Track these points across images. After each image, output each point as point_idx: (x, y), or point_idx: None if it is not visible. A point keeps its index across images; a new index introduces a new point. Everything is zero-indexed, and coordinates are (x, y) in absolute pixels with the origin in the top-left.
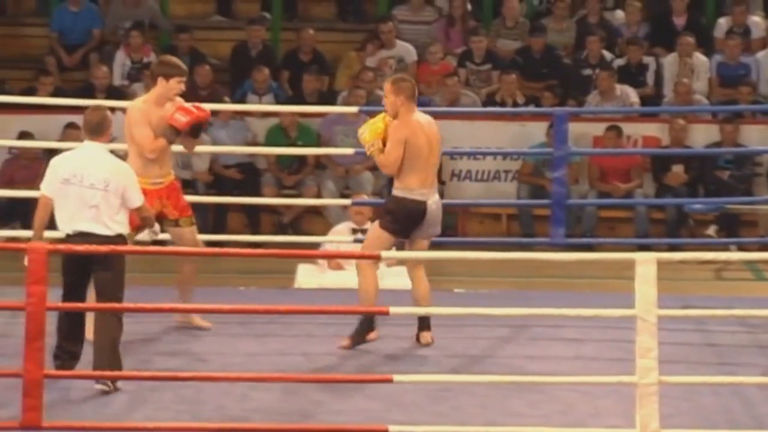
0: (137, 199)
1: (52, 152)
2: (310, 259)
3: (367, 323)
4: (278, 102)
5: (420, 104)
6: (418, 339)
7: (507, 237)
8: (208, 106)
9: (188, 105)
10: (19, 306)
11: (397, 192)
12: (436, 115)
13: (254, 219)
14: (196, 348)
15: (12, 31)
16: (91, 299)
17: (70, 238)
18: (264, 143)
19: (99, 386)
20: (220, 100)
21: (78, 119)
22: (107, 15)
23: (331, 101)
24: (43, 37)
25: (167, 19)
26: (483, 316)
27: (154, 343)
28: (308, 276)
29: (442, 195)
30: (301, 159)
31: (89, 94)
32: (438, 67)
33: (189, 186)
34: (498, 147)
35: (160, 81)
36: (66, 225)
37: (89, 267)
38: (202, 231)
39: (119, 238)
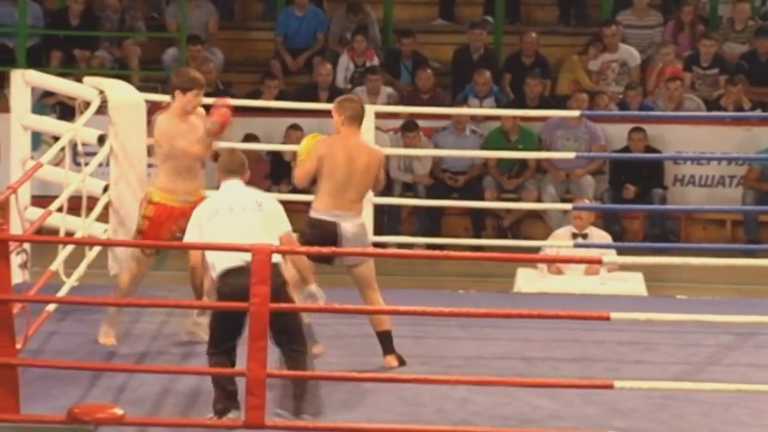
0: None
1: (276, 154)
2: (531, 263)
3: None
4: (499, 105)
5: (643, 108)
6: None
7: (731, 243)
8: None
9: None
10: (243, 306)
11: (310, 212)
12: (658, 120)
13: (477, 222)
14: (416, 350)
15: (239, 36)
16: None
17: None
18: (484, 146)
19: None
20: (442, 104)
21: (301, 121)
22: (332, 19)
23: (553, 105)
24: (268, 41)
25: (390, 23)
26: (706, 323)
27: (373, 344)
28: (528, 280)
29: (664, 200)
30: (522, 163)
31: (313, 93)
32: (669, 69)
33: (409, 189)
34: (723, 152)
35: (178, 94)
36: None
37: None
38: (420, 234)
39: None
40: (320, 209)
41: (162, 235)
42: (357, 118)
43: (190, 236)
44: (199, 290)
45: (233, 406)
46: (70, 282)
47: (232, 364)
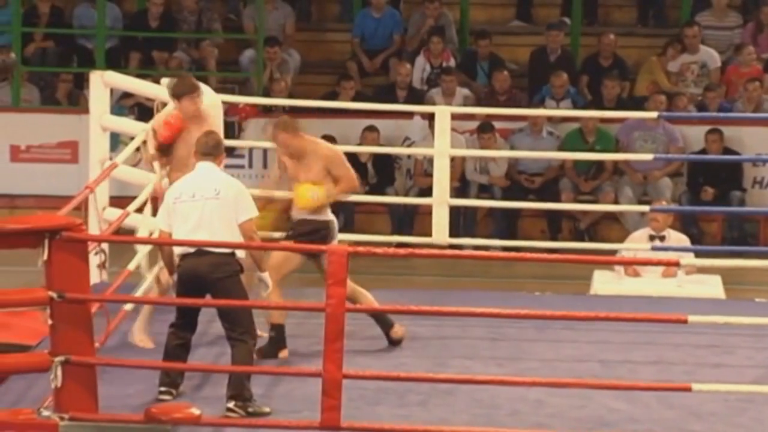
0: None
1: (352, 155)
2: (608, 265)
3: (281, 340)
4: (576, 107)
5: (721, 110)
6: (389, 339)
7: None
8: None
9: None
10: (319, 307)
11: (314, 215)
12: (737, 122)
13: (553, 225)
14: (492, 352)
15: (316, 37)
16: None
17: None
18: (562, 147)
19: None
20: (518, 105)
21: (377, 122)
22: (409, 21)
23: (631, 106)
24: (345, 42)
25: (467, 24)
26: None
27: (450, 346)
28: (605, 282)
29: (743, 202)
30: (599, 164)
31: (390, 93)
32: (749, 70)
33: (485, 191)
34: None
35: (174, 101)
36: None
37: None
38: (496, 236)
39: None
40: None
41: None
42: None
43: (159, 218)
44: (169, 265)
45: (170, 391)
46: (148, 282)
47: (183, 341)
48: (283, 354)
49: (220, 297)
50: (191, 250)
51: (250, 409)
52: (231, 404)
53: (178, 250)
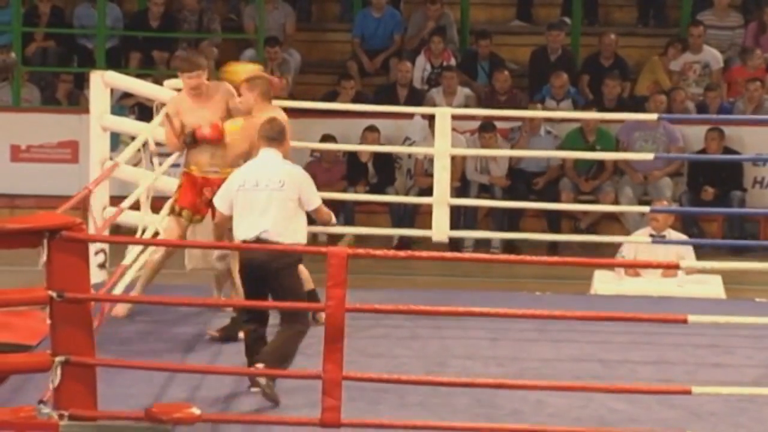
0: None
1: (353, 155)
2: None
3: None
4: (576, 108)
5: (722, 109)
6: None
7: None
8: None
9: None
10: (319, 308)
11: None
12: (738, 122)
13: (553, 225)
14: (492, 352)
15: (316, 37)
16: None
17: None
18: (562, 147)
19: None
20: (519, 105)
21: (378, 122)
22: (410, 21)
23: (632, 106)
24: (345, 42)
25: (467, 24)
26: None
27: (450, 346)
28: (605, 282)
29: (743, 202)
30: (599, 164)
31: (391, 92)
32: (754, 71)
33: (486, 191)
34: None
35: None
36: None
37: None
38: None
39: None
40: None
41: (193, 200)
42: (268, 94)
43: (218, 201)
44: (219, 238)
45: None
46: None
47: (257, 335)
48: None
49: (278, 287)
50: (251, 237)
51: (268, 390)
52: (263, 380)
53: (240, 237)
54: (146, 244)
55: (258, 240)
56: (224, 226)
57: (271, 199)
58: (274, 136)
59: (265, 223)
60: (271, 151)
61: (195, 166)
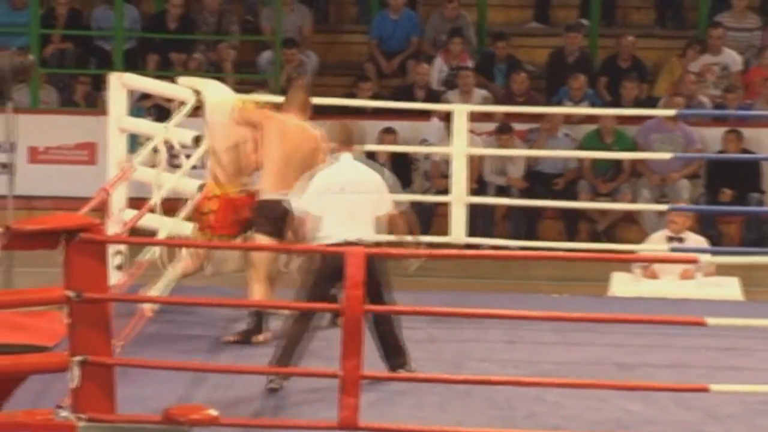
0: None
1: (370, 155)
2: (626, 267)
3: (258, 325)
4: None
5: (742, 110)
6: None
7: None
8: (525, 110)
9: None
10: (337, 308)
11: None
12: (756, 124)
13: (571, 227)
14: (508, 354)
15: (334, 38)
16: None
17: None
18: (580, 149)
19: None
20: (536, 106)
21: (395, 124)
22: (427, 23)
23: (650, 108)
24: (363, 44)
25: (485, 26)
26: None
27: (467, 348)
28: (623, 284)
29: (761, 204)
30: (617, 166)
31: (408, 94)
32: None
33: (503, 192)
34: None
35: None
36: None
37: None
38: (515, 237)
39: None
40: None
41: (232, 225)
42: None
43: (307, 203)
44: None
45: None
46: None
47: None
48: (260, 338)
49: (379, 286)
50: (341, 239)
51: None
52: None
53: (329, 240)
54: (163, 245)
55: (347, 243)
56: (312, 230)
57: (354, 204)
58: (347, 139)
59: (349, 227)
60: (347, 155)
61: (231, 186)
